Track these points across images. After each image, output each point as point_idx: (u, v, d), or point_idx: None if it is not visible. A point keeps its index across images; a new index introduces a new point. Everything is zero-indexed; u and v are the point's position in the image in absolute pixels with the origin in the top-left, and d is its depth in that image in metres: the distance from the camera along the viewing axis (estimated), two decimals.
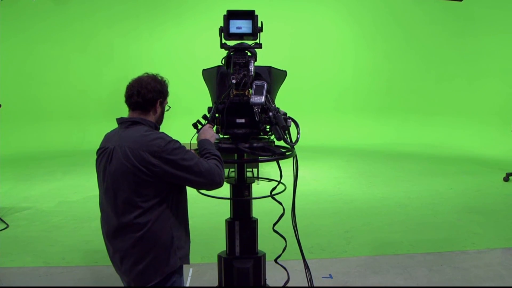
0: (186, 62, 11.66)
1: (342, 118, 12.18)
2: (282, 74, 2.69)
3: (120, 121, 2.06)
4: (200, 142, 2.18)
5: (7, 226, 5.10)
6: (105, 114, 11.62)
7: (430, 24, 12.08)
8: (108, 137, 2.07)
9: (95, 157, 2.13)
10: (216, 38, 2.54)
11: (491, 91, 11.07)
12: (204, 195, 2.57)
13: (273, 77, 2.56)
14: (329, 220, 5.31)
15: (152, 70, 2.38)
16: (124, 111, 2.16)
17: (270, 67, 2.57)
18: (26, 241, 4.68)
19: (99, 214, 2.11)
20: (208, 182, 1.94)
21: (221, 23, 2.46)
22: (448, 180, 7.33)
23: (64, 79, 11.89)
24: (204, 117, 2.39)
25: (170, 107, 2.19)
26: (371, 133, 11.88)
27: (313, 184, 7.19)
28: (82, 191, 6.79)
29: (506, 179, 7.21)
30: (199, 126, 2.33)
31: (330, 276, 3.74)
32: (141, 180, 1.89)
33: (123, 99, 2.11)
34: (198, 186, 1.99)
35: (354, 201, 6.16)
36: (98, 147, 2.12)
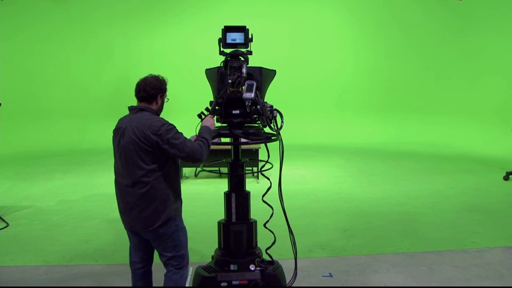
0: (186, 61, 11.66)
1: (342, 117, 12.18)
2: (272, 73, 3.22)
3: (131, 108, 2.76)
4: (201, 128, 2.84)
5: (7, 225, 5.10)
6: (105, 113, 11.62)
7: (429, 23, 12.08)
8: (121, 120, 2.76)
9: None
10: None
11: (491, 89, 11.06)
12: (207, 170, 3.64)
13: (263, 76, 3.10)
14: (329, 219, 5.31)
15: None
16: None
17: (260, 67, 3.08)
18: (26, 240, 4.68)
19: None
20: (189, 157, 2.62)
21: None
22: (448, 179, 7.33)
23: (64, 78, 11.88)
24: (207, 109, 2.98)
25: (168, 99, 2.86)
26: (371, 132, 11.88)
27: (313, 183, 7.19)
28: (82, 190, 6.78)
29: (506, 178, 7.21)
30: (203, 116, 2.94)
31: (330, 275, 3.74)
32: (144, 149, 2.59)
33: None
34: (182, 159, 2.66)
35: (354, 200, 6.16)
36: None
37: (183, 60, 11.73)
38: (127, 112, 2.76)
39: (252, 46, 3.03)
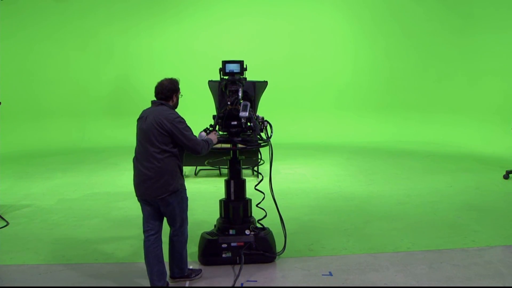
0: (186, 59, 11.64)
1: (342, 115, 12.18)
2: (263, 84, 4.12)
3: (153, 102, 3.48)
4: (207, 138, 3.63)
5: (7, 223, 5.10)
6: (105, 112, 11.61)
7: (430, 22, 12.06)
8: (145, 111, 3.47)
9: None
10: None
11: (491, 88, 11.04)
12: (211, 161, 4.30)
13: (256, 89, 4.00)
14: (329, 218, 5.31)
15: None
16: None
17: (254, 82, 4.00)
18: (26, 238, 4.69)
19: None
20: (192, 147, 3.38)
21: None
22: (448, 178, 7.33)
23: (64, 77, 11.88)
24: (211, 125, 3.87)
25: (182, 95, 3.56)
26: (371, 130, 11.88)
27: (313, 182, 7.20)
28: (82, 189, 6.79)
29: (506, 176, 7.20)
30: (207, 132, 3.81)
31: (330, 274, 3.74)
32: (160, 133, 3.30)
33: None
34: (186, 148, 3.38)
35: (354, 198, 6.16)
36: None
37: (183, 58, 11.70)
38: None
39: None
